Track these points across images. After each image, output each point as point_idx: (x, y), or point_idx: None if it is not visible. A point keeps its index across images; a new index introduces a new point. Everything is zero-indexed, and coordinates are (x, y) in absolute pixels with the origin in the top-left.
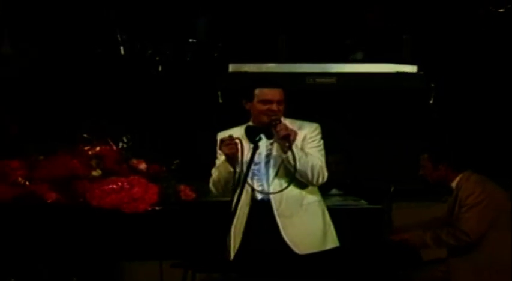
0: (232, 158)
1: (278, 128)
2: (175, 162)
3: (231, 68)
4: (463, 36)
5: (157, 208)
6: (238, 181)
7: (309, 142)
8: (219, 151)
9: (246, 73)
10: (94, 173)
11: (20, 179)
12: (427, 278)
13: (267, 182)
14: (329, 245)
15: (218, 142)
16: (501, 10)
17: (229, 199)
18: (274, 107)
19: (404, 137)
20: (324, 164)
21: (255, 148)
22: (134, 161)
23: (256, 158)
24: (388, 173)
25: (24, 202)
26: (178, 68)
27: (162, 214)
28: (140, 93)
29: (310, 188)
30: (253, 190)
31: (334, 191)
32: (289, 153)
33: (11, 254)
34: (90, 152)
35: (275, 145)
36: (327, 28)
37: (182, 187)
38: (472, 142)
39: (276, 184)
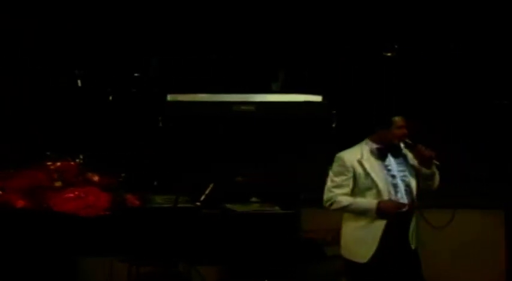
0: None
1: (422, 150)
2: (122, 175)
3: (169, 97)
4: (358, 71)
5: (108, 213)
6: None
7: None
8: (333, 173)
9: (181, 102)
10: (56, 184)
11: None
12: (329, 270)
13: (410, 195)
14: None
15: (335, 160)
16: (389, 54)
17: (170, 205)
18: (406, 130)
19: (313, 154)
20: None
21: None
22: (89, 174)
23: (393, 172)
24: (299, 185)
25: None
26: (125, 98)
27: (112, 218)
28: (94, 118)
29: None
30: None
31: (253, 199)
32: (434, 167)
33: None
34: (52, 167)
35: (406, 164)
36: (251, 61)
37: (129, 195)
38: None
39: (408, 196)
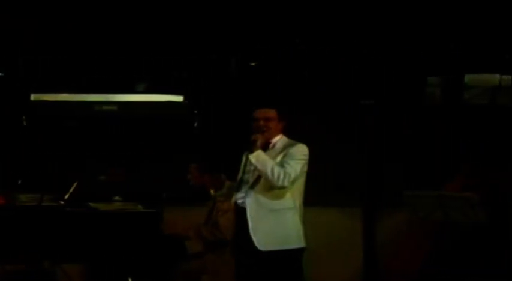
0: None
1: (252, 136)
2: None
3: (33, 97)
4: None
5: None
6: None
7: (287, 154)
8: None
9: (45, 101)
10: None
11: None
12: (190, 268)
13: (247, 191)
14: (293, 245)
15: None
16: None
17: (34, 203)
18: (260, 123)
19: (175, 153)
20: (289, 171)
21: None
22: None
23: (251, 167)
24: (161, 184)
25: None
26: None
27: None
28: None
29: (281, 196)
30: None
31: (116, 198)
32: (257, 160)
33: None
34: None
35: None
36: (114, 62)
37: None
38: (227, 158)
39: (251, 193)
